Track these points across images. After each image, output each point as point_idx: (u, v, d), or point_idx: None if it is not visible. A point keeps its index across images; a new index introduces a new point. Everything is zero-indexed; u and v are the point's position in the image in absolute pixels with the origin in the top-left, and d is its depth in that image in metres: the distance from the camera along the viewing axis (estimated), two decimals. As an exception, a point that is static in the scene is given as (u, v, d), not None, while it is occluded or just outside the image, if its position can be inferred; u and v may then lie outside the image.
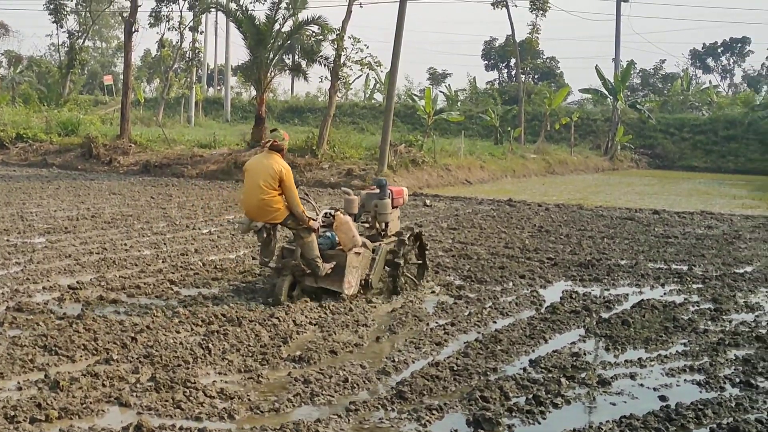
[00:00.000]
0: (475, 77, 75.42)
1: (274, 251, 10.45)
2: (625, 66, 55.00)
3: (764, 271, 13.79)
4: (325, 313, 9.58)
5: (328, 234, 10.67)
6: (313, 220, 10.29)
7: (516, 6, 49.81)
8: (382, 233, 11.33)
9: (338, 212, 10.55)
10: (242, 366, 7.50)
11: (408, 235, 11.03)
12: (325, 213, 10.74)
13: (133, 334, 8.23)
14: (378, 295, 10.76)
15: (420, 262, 11.57)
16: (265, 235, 10.31)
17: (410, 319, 9.53)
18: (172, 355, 7.56)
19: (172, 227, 16.28)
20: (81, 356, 7.59)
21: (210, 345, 7.89)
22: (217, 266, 12.23)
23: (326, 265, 10.25)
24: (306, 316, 9.34)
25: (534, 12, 50.32)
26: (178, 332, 8.53)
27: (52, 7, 49.49)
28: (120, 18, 44.74)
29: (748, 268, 14.12)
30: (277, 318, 9.02)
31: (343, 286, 10.20)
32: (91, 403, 6.37)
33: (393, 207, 11.45)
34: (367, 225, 11.45)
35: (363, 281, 10.61)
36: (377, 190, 11.34)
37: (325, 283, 10.31)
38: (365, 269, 10.61)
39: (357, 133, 42.91)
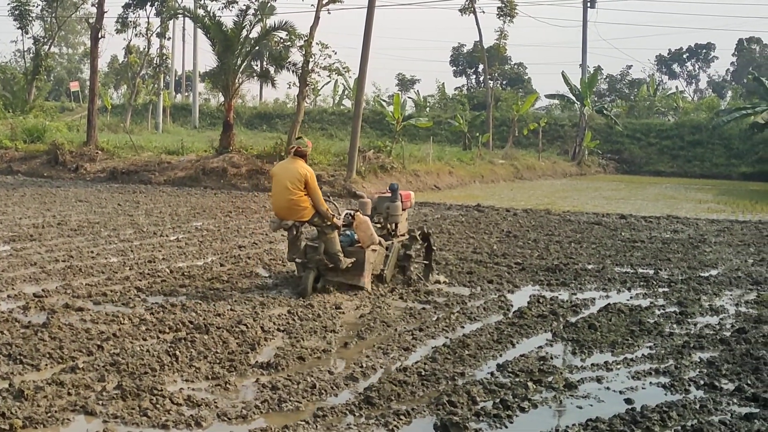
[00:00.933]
0: (444, 83, 75.73)
1: (300, 248, 11.20)
2: (591, 72, 55.41)
3: (729, 274, 13.95)
4: (293, 320, 9.57)
5: (348, 232, 11.63)
6: (336, 217, 11.30)
7: (484, 12, 50.11)
8: (392, 233, 12.19)
9: (357, 213, 11.56)
10: (210, 373, 7.47)
11: (418, 234, 12.26)
12: (346, 213, 11.83)
13: (99, 342, 8.18)
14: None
15: (426, 262, 12.53)
16: (294, 233, 11.12)
17: (378, 325, 9.54)
18: (138, 362, 7.52)
19: (140, 234, 16.19)
20: (46, 364, 7.53)
21: (177, 352, 7.85)
22: (185, 273, 12.18)
23: (347, 259, 11.18)
24: (274, 323, 9.32)
25: (501, 18, 50.64)
26: (144, 340, 8.49)
27: (17, 12, 49.03)
28: (86, 24, 44.32)
29: (713, 272, 14.27)
30: (245, 325, 8.98)
31: (363, 280, 11.29)
32: (56, 412, 6.33)
33: (402, 209, 12.34)
34: (379, 225, 12.17)
35: (378, 275, 11.77)
36: (389, 194, 12.26)
37: (346, 277, 11.34)
38: (380, 264, 11.76)
39: (326, 139, 42.91)
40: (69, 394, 6.72)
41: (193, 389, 7.04)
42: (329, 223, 11.06)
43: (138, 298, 10.47)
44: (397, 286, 11.83)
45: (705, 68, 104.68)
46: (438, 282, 12.30)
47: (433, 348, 8.63)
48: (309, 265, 11.09)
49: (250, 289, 11.26)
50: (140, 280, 11.60)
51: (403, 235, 12.28)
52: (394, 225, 12.20)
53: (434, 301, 11.03)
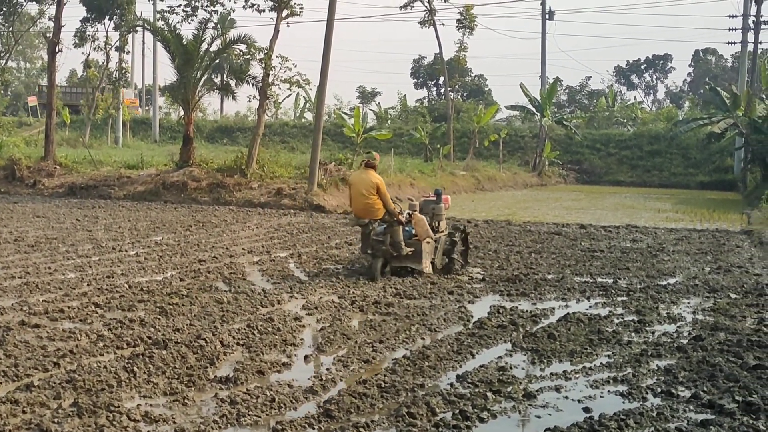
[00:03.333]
0: (405, 95, 75.89)
1: (370, 241, 13.74)
2: (551, 83, 55.85)
3: (686, 282, 14.10)
4: (253, 334, 9.51)
5: (407, 228, 14.13)
6: (401, 215, 13.89)
7: (443, 25, 50.20)
8: (436, 229, 14.51)
9: (415, 212, 14.20)
10: (168, 389, 7.41)
11: (460, 230, 14.90)
12: (406, 213, 14.23)
13: (55, 359, 8.09)
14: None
15: (464, 248, 15.07)
16: (369, 230, 13.73)
17: (338, 338, 9.53)
18: (95, 379, 7.44)
19: (98, 250, 16.04)
20: (0, 382, 7.42)
21: (135, 368, 7.79)
22: (144, 288, 12.08)
23: (407, 248, 13.88)
24: (233, 337, 9.27)
25: (461, 30, 50.89)
26: (102, 356, 8.41)
27: (-28, 27, 48.48)
28: (44, 38, 43.93)
29: (671, 280, 14.42)
30: (204, 339, 8.92)
31: (421, 265, 13.97)
32: (10, 430, 6.24)
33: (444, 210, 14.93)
34: None
35: (431, 262, 14.24)
36: (434, 198, 14.88)
37: (407, 262, 14.07)
38: (431, 254, 14.18)
39: (287, 152, 42.79)
40: (24, 412, 6.64)
41: (150, 405, 6.98)
42: (395, 219, 13.71)
43: (96, 314, 10.36)
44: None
45: (662, 79, 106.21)
46: (471, 274, 14.52)
47: (393, 360, 8.63)
48: (377, 255, 13.66)
49: (209, 303, 11.19)
50: (98, 296, 11.49)
51: (444, 231, 14.68)
52: (437, 222, 14.61)
53: (395, 313, 11.03)
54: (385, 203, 13.67)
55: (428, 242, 14.09)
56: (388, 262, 13.95)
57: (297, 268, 14.76)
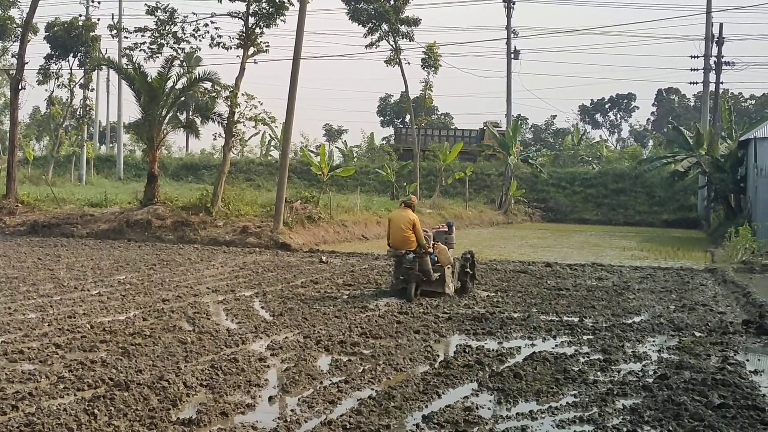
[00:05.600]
0: (372, 133, 76.25)
1: (403, 269, 16.00)
2: (515, 121, 56.29)
3: (651, 321, 14.16)
4: (217, 374, 9.39)
5: (432, 256, 16.33)
6: (431, 247, 16.24)
7: (409, 63, 50.27)
8: None
9: (437, 243, 16.61)
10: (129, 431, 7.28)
11: (467, 253, 17.20)
12: (432, 244, 16.47)
13: (13, 402, 7.94)
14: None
15: (471, 272, 17.18)
16: (402, 260, 15.95)
17: (303, 378, 9.43)
18: (55, 422, 7.30)
19: (60, 289, 15.83)
20: (-43, 427, 7.26)
21: (96, 411, 7.65)
22: (106, 328, 11.91)
23: (435, 274, 16.30)
24: (197, 378, 9.14)
25: (426, 69, 51.19)
26: (62, 398, 8.27)
27: (-65, 63, 48.12)
28: (6, 75, 43.66)
29: (636, 319, 14.47)
30: (167, 381, 8.79)
31: (446, 289, 16.40)
32: (-35, 476, 6.09)
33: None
34: None
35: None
36: (446, 229, 17.52)
37: (434, 286, 16.34)
38: (452, 279, 16.70)
39: (253, 189, 42.71)
40: (-20, 457, 6.49)
41: (111, 449, 6.85)
42: (426, 251, 16.00)
43: (56, 354, 10.20)
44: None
45: (626, 118, 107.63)
46: (477, 293, 16.98)
47: (358, 400, 8.55)
48: (411, 280, 15.77)
49: (173, 343, 11.05)
50: (59, 336, 11.31)
51: (463, 255, 17.19)
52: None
53: (360, 353, 10.95)
54: (418, 237, 15.92)
55: (449, 268, 16.47)
56: (419, 286, 15.98)
57: (262, 307, 14.65)
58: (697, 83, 54.95)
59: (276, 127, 39.54)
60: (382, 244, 29.46)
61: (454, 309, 14.90)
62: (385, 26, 47.47)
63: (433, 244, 16.47)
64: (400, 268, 16.10)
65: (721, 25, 52.42)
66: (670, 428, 7.81)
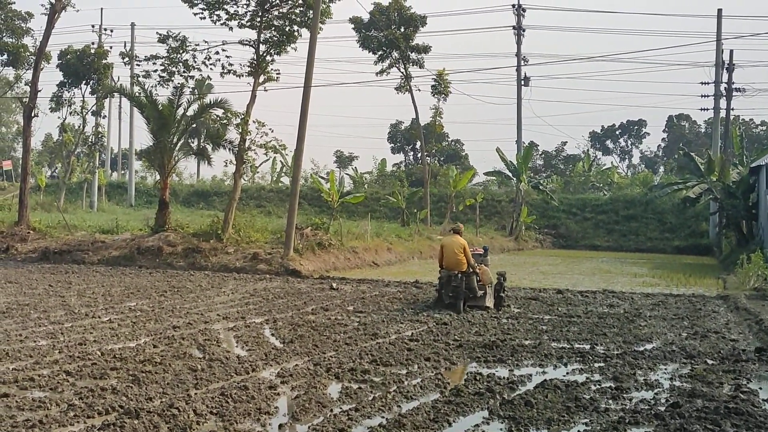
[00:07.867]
0: (383, 159, 76.36)
1: (451, 287, 18.32)
2: (526, 147, 56.33)
3: (663, 348, 14.07)
4: (227, 402, 9.37)
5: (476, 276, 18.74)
6: (477, 268, 18.61)
7: (419, 90, 50.58)
8: None
9: (481, 264, 19.08)
10: (138, 460, 7.26)
11: (503, 280, 19.35)
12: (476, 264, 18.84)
13: (23, 430, 7.93)
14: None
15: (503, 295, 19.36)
16: (453, 281, 18.28)
17: (313, 406, 9.39)
18: (64, 450, 7.28)
19: (71, 316, 15.85)
20: (-33, 455, 7.26)
21: (105, 439, 7.63)
22: (117, 355, 11.91)
23: (479, 291, 18.65)
24: (207, 406, 9.12)
25: (436, 96, 51.37)
26: (72, 425, 8.26)
27: (-52, 91, 48.53)
28: (20, 103, 43.96)
29: (648, 346, 14.38)
30: (177, 408, 8.77)
31: (487, 304, 18.77)
32: (-25, 505, 6.08)
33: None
34: None
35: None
36: (482, 251, 20.39)
37: (479, 302, 18.75)
38: (492, 295, 19.06)
39: (264, 216, 42.83)
40: (-11, 485, 6.47)
41: (120, 477, 6.82)
42: (473, 271, 18.42)
43: (66, 382, 10.20)
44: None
45: (637, 144, 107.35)
46: (509, 306, 19.28)
47: (369, 428, 8.52)
48: (459, 297, 18.16)
49: (183, 370, 11.03)
50: (69, 364, 11.31)
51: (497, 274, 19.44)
52: None
53: (371, 380, 10.92)
54: (468, 259, 18.34)
55: (490, 286, 18.98)
56: (466, 302, 18.34)
57: (272, 334, 14.63)
58: (707, 109, 54.98)
59: (287, 154, 39.73)
60: (393, 271, 29.60)
61: (464, 336, 14.84)
62: (395, 53, 47.76)
63: (477, 266, 18.70)
64: (449, 286, 18.39)
65: (731, 51, 52.44)
66: (683, 457, 7.74)
